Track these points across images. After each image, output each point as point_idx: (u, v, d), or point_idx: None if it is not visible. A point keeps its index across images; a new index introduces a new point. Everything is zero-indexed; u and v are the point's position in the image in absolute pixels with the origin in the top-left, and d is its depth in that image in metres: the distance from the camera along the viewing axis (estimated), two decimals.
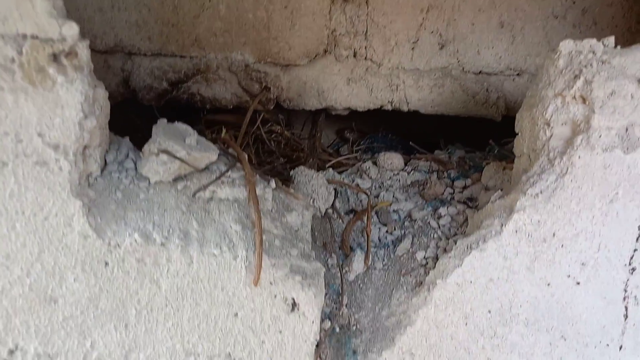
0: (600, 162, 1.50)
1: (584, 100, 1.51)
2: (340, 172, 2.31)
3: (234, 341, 1.49)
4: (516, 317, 1.59)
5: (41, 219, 1.35)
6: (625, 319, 1.62)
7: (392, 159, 2.32)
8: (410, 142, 2.54)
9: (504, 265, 1.56)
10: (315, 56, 2.45)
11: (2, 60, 1.25)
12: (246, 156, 1.63)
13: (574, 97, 1.52)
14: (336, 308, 1.67)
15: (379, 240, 1.89)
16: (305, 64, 2.45)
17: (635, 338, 1.63)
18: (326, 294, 1.66)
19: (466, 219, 1.84)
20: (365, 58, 2.47)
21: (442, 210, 1.91)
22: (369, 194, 2.04)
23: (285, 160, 2.45)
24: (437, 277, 1.59)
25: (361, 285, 1.75)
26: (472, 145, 2.87)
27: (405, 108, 2.54)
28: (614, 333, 1.62)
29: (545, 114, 1.56)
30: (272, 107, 2.46)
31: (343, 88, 2.50)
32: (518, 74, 2.54)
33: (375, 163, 2.34)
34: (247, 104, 2.38)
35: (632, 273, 1.59)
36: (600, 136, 1.49)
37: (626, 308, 1.61)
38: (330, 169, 2.24)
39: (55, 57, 1.24)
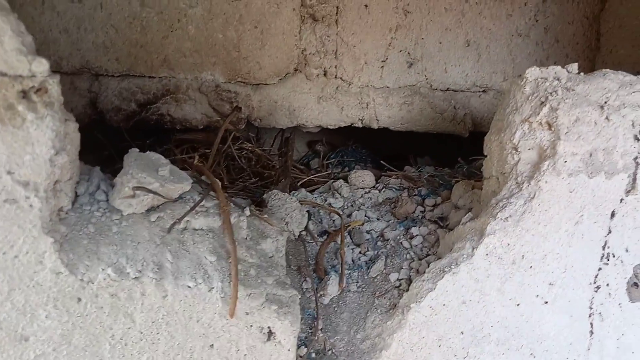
0: (566, 186, 1.55)
1: (549, 126, 1.56)
2: (312, 190, 2.33)
3: None
4: (488, 337, 1.63)
5: (11, 257, 1.32)
6: (591, 335, 1.68)
7: (364, 177, 2.34)
8: (381, 161, 2.56)
9: (475, 288, 1.59)
10: (286, 75, 2.46)
11: None
12: (220, 184, 1.62)
13: (541, 124, 1.57)
14: (311, 333, 1.68)
15: (353, 261, 1.91)
16: (276, 83, 2.46)
17: (600, 353, 1.69)
18: (301, 319, 1.66)
19: (437, 239, 1.88)
20: (336, 77, 2.49)
21: (414, 230, 1.94)
22: (341, 214, 2.05)
23: (257, 179, 2.45)
24: (411, 300, 1.62)
25: (336, 308, 1.77)
26: (441, 156, 2.93)
27: (375, 125, 2.57)
28: (581, 349, 1.68)
29: (513, 139, 1.61)
30: (243, 127, 2.45)
31: (314, 106, 2.51)
32: (484, 91, 2.60)
33: (346, 180, 2.36)
34: (218, 124, 2.37)
35: (596, 291, 1.65)
36: (565, 161, 1.54)
37: (592, 324, 1.67)
38: (303, 189, 2.25)
39: (24, 94, 1.22)
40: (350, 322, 1.73)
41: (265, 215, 1.73)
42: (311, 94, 2.50)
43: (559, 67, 1.60)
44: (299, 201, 1.97)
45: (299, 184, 2.43)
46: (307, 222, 1.97)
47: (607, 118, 1.54)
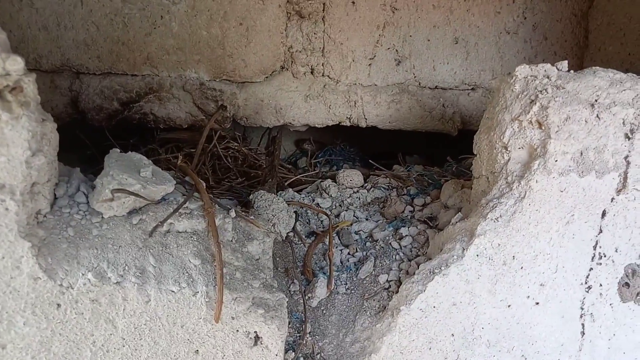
0: (556, 185, 1.53)
1: (540, 125, 1.54)
2: (299, 190, 2.29)
3: None
4: (478, 339, 1.61)
5: None
6: (582, 336, 1.66)
7: (352, 176, 2.31)
8: (370, 160, 2.53)
9: (466, 289, 1.57)
10: (272, 73, 2.42)
11: None
12: (204, 185, 1.58)
13: (531, 122, 1.54)
14: (299, 337, 1.64)
15: (341, 263, 1.87)
16: (262, 81, 2.42)
17: (592, 353, 1.67)
18: (289, 323, 1.63)
19: (427, 240, 1.85)
20: (323, 75, 2.45)
21: (404, 231, 1.91)
22: (329, 215, 2.02)
23: (244, 179, 2.40)
24: (400, 303, 1.59)
25: (324, 311, 1.73)
26: (430, 155, 2.91)
27: (363, 124, 2.53)
28: (572, 350, 1.66)
29: (503, 137, 1.58)
30: (228, 126, 2.40)
31: (301, 105, 2.47)
32: (472, 89, 2.58)
33: (334, 180, 2.33)
34: (203, 123, 2.33)
35: (588, 291, 1.63)
36: (556, 160, 1.52)
37: (583, 325, 1.66)
38: (290, 189, 2.21)
39: None
40: (339, 325, 1.70)
41: (252, 217, 1.69)
42: (298, 92, 2.46)
43: (548, 65, 1.58)
44: (286, 202, 1.93)
45: (286, 183, 2.39)
46: (295, 223, 1.93)
47: (597, 116, 1.52)
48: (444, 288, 1.56)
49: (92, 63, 2.25)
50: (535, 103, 1.53)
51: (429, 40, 2.49)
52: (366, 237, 1.97)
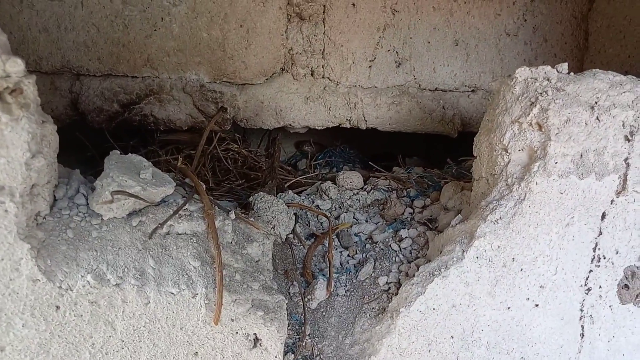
0: (556, 187, 1.53)
1: (540, 127, 1.53)
2: (299, 192, 2.29)
3: None
4: (478, 341, 1.61)
5: None
6: (582, 338, 1.66)
7: (352, 178, 2.31)
8: (370, 162, 2.53)
9: (465, 291, 1.57)
10: (272, 75, 2.42)
11: None
12: (204, 187, 1.58)
13: (531, 124, 1.54)
14: (299, 339, 1.64)
15: (341, 265, 1.87)
16: (262, 83, 2.42)
17: (591, 355, 1.67)
18: (288, 325, 1.63)
19: (427, 242, 1.85)
20: (323, 76, 2.46)
21: (403, 233, 1.91)
22: (329, 216, 2.02)
23: (243, 181, 2.40)
24: (400, 304, 1.59)
25: (324, 313, 1.73)
26: (430, 157, 2.91)
27: (363, 126, 2.54)
28: (571, 352, 1.66)
29: (503, 139, 1.58)
30: (228, 128, 2.40)
31: (301, 107, 2.47)
32: (473, 91, 2.58)
33: (334, 182, 2.33)
34: (203, 125, 2.33)
35: (587, 293, 1.63)
36: (556, 163, 1.52)
37: (582, 327, 1.65)
38: (290, 191, 2.21)
39: None
40: (339, 327, 1.69)
41: (251, 219, 1.69)
42: (298, 94, 2.46)
43: (548, 67, 1.58)
44: (286, 203, 1.93)
45: (286, 185, 2.39)
46: (295, 225, 1.93)
47: (597, 118, 1.52)
48: (444, 290, 1.55)
49: (92, 65, 2.26)
50: (536, 105, 1.53)
51: (429, 42, 2.49)
52: (366, 239, 1.97)
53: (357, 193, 2.25)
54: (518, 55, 2.57)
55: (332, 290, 1.75)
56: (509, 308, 1.60)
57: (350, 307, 1.74)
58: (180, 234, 1.49)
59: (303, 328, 1.66)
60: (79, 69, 2.26)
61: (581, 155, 1.53)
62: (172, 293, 1.39)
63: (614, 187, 1.55)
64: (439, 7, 2.45)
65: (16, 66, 1.18)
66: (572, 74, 1.58)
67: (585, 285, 1.62)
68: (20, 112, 1.20)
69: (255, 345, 1.46)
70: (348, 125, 2.54)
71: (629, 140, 1.53)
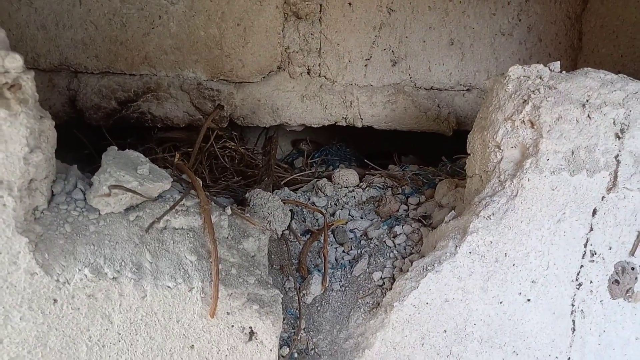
0: (548, 184, 1.55)
1: (532, 124, 1.56)
2: (295, 189, 2.31)
3: None
4: (471, 335, 1.63)
5: None
6: (573, 332, 1.68)
7: (348, 176, 2.33)
8: (365, 160, 2.55)
9: (458, 286, 1.59)
10: (269, 73, 2.44)
11: None
12: (200, 183, 1.60)
13: (523, 122, 1.57)
14: (294, 333, 1.66)
15: (336, 260, 1.89)
16: (259, 81, 2.44)
17: (582, 349, 1.69)
18: (284, 319, 1.65)
19: (421, 238, 1.87)
20: (319, 75, 2.48)
21: (398, 229, 1.93)
22: (325, 213, 2.04)
23: (240, 178, 2.42)
24: (394, 299, 1.61)
25: (319, 307, 1.75)
26: (426, 155, 2.93)
27: (359, 124, 2.56)
28: (563, 346, 1.68)
29: (496, 137, 1.60)
30: (225, 125, 2.42)
31: (297, 105, 2.49)
32: (468, 90, 2.61)
33: (330, 179, 2.35)
34: (200, 123, 2.34)
35: (579, 288, 1.65)
36: (548, 159, 1.54)
37: (574, 322, 1.68)
38: (286, 188, 2.23)
39: None
40: (333, 321, 1.71)
41: (247, 214, 1.71)
42: (294, 92, 2.48)
43: (541, 66, 1.60)
44: (282, 200, 1.95)
45: (282, 183, 2.41)
46: (290, 221, 1.95)
47: (588, 116, 1.54)
48: (437, 285, 1.58)
49: (90, 62, 2.27)
50: (528, 103, 1.56)
51: (424, 42, 2.52)
52: (361, 235, 1.99)
53: (353, 190, 2.27)
54: (513, 54, 2.60)
55: (327, 285, 1.77)
56: (501, 302, 1.62)
57: (344, 302, 1.76)
58: (177, 229, 1.50)
59: (298, 322, 1.68)
60: (77, 67, 2.28)
61: (572, 152, 1.55)
62: (169, 287, 1.41)
63: (604, 184, 1.58)
64: (434, 6, 2.47)
65: (15, 62, 1.20)
66: (564, 72, 1.60)
67: (577, 280, 1.65)
68: (19, 107, 1.22)
69: (250, 339, 1.48)
70: (344, 124, 2.56)
71: (619, 138, 1.56)
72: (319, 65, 2.46)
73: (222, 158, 2.52)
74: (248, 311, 1.46)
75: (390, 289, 1.68)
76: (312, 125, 2.56)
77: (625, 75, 1.61)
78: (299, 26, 2.39)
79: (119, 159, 1.49)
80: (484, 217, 1.57)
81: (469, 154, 1.78)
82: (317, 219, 2.06)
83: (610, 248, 1.64)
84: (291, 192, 2.19)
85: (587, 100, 1.55)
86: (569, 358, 1.70)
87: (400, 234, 1.91)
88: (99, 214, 1.44)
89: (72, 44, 2.23)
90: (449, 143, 2.73)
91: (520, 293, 1.62)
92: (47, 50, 2.23)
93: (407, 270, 1.66)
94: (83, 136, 2.32)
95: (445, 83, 2.58)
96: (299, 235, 1.94)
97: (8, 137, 1.22)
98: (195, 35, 2.33)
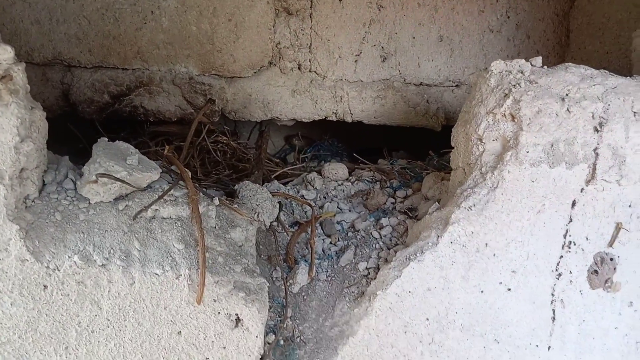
0: (528, 176, 1.59)
1: (513, 117, 1.60)
2: (285, 183, 2.34)
3: (177, 359, 1.50)
4: (452, 323, 1.67)
5: None
6: (553, 321, 1.72)
7: (337, 170, 2.36)
8: (354, 154, 2.59)
9: (440, 275, 1.63)
10: (260, 68, 2.48)
11: None
12: (189, 174, 1.63)
13: (504, 115, 1.61)
14: (280, 321, 1.70)
15: (323, 251, 1.93)
16: (250, 76, 2.48)
17: (562, 338, 1.73)
18: (270, 308, 1.69)
19: (407, 229, 1.91)
20: (310, 70, 2.51)
21: (384, 221, 1.97)
22: (312, 205, 2.07)
23: (231, 172, 2.46)
24: (377, 288, 1.65)
25: (305, 297, 1.79)
26: (418, 151, 2.96)
27: (349, 119, 2.60)
28: (543, 335, 1.72)
29: (478, 130, 1.64)
30: (217, 119, 2.46)
31: (288, 100, 2.53)
32: (457, 86, 2.64)
33: (320, 173, 2.38)
34: (192, 117, 2.38)
35: (558, 278, 1.69)
36: (528, 152, 1.58)
37: (554, 311, 1.71)
38: (276, 181, 2.26)
39: None
40: (319, 310, 1.75)
41: (235, 205, 1.74)
42: (285, 87, 2.52)
43: (523, 61, 1.64)
44: (271, 193, 1.99)
45: (272, 176, 2.45)
46: (279, 213, 1.99)
47: (568, 110, 1.58)
48: (419, 274, 1.61)
49: (83, 57, 2.31)
50: (509, 97, 1.59)
51: (414, 38, 2.55)
52: (348, 227, 2.03)
53: (342, 184, 2.31)
54: (501, 51, 2.63)
55: (313, 275, 1.81)
56: (482, 292, 1.65)
57: (330, 292, 1.79)
58: (165, 218, 1.54)
59: (285, 311, 1.72)
60: (70, 61, 2.32)
61: (552, 145, 1.59)
62: (157, 274, 1.45)
63: (583, 176, 1.61)
64: (423, 3, 2.51)
65: (6, 54, 1.24)
66: (545, 67, 1.64)
67: (556, 270, 1.68)
68: (10, 97, 1.26)
69: (237, 325, 1.52)
70: (334, 118, 2.60)
71: (598, 131, 1.59)
72: (309, 61, 2.50)
73: (215, 152, 2.56)
74: (234, 298, 1.50)
75: (375, 278, 1.72)
76: (303, 120, 2.60)
77: (605, 71, 1.65)
78: (289, 22, 2.43)
79: (109, 150, 1.53)
80: (465, 208, 1.61)
81: (453, 147, 1.81)
82: (305, 212, 2.10)
83: (589, 239, 1.67)
84: (281, 185, 2.23)
85: (567, 95, 1.58)
86: (550, 347, 1.74)
87: (387, 225, 1.95)
88: (89, 203, 1.48)
89: (66, 39, 2.27)
90: (439, 139, 2.77)
91: (500, 282, 1.66)
92: (41, 45, 2.27)
93: (392, 260, 1.70)
94: (77, 130, 2.36)
95: (434, 79, 2.62)
96: (287, 226, 1.98)
97: None
98: (187, 30, 2.37)
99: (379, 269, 1.77)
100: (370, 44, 2.53)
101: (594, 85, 1.60)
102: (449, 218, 1.62)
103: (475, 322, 1.67)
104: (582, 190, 1.63)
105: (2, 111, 1.26)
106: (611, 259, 1.70)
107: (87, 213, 1.47)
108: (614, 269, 1.70)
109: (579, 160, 1.60)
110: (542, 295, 1.69)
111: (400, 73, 2.58)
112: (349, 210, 2.13)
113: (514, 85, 1.60)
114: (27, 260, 1.36)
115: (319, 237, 1.97)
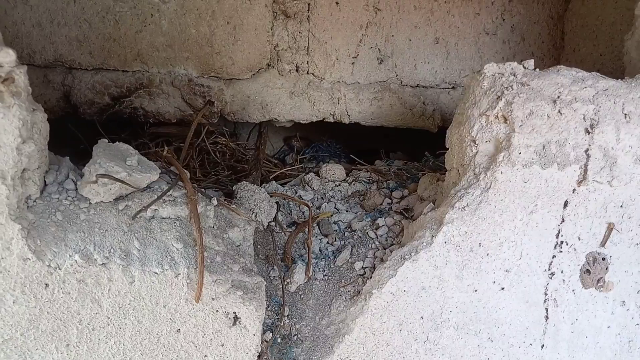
0: (520, 177, 1.62)
1: (505, 119, 1.63)
2: (284, 184, 2.37)
3: (176, 356, 1.53)
4: (447, 322, 1.69)
5: None
6: (546, 320, 1.75)
7: (334, 170, 2.39)
8: (351, 155, 2.62)
9: (434, 274, 1.66)
10: (259, 70, 2.51)
11: None
12: (188, 174, 1.66)
13: (497, 117, 1.64)
14: (278, 319, 1.73)
15: (320, 251, 1.96)
16: (249, 78, 2.51)
17: (555, 337, 1.76)
18: (268, 306, 1.71)
19: (402, 229, 1.94)
20: (308, 72, 2.54)
21: (380, 221, 2.00)
22: (310, 206, 2.10)
23: (230, 172, 2.49)
24: (373, 287, 1.68)
25: (302, 295, 1.82)
26: (415, 152, 2.99)
27: (346, 120, 2.63)
28: (536, 333, 1.75)
29: (472, 131, 1.67)
30: (216, 121, 2.49)
31: (286, 101, 2.56)
32: (453, 87, 2.67)
33: (318, 174, 2.41)
34: (191, 118, 2.41)
35: (551, 277, 1.72)
36: (520, 153, 1.61)
37: (547, 310, 1.74)
38: (274, 181, 2.29)
39: None
40: (316, 308, 1.78)
41: (234, 206, 1.77)
42: (283, 89, 2.55)
43: (515, 63, 1.67)
44: (269, 193, 2.02)
45: (271, 177, 2.48)
46: (276, 213, 2.02)
47: (559, 112, 1.61)
48: (414, 273, 1.64)
49: (84, 59, 2.34)
50: (501, 99, 1.62)
51: (410, 40, 2.58)
52: (345, 227, 2.06)
53: (339, 184, 2.34)
54: (497, 53, 2.66)
55: (310, 274, 1.84)
56: (476, 291, 1.68)
57: (327, 291, 1.82)
58: (164, 218, 1.57)
59: (282, 309, 1.75)
60: (71, 63, 2.35)
61: (544, 147, 1.62)
62: (156, 273, 1.47)
63: (575, 177, 1.64)
64: (419, 5, 2.54)
65: (8, 56, 1.27)
66: (537, 69, 1.67)
67: (549, 269, 1.71)
68: (12, 99, 1.29)
69: (234, 323, 1.55)
70: (332, 120, 2.63)
71: (589, 133, 1.62)
72: (307, 63, 2.53)
73: (214, 153, 2.59)
74: (232, 297, 1.53)
75: (371, 277, 1.75)
76: (301, 121, 2.63)
77: (597, 73, 1.68)
78: (287, 25, 2.46)
79: (109, 151, 1.56)
80: (459, 208, 1.64)
81: (448, 149, 1.84)
82: (303, 212, 2.13)
83: (581, 239, 1.70)
84: (278, 185, 2.26)
85: (558, 97, 1.61)
86: (543, 345, 1.77)
87: (383, 225, 1.98)
88: (90, 203, 1.51)
89: (67, 41, 2.30)
90: (436, 140, 2.79)
91: (494, 282, 1.69)
92: (42, 47, 2.30)
93: (387, 260, 1.72)
94: (79, 131, 2.39)
95: (430, 81, 2.65)
96: (284, 226, 2.01)
97: (1, 128, 1.29)
98: (186, 33, 2.40)
99: (375, 268, 1.80)
100: (367, 47, 2.56)
101: (585, 87, 1.63)
102: (443, 218, 1.65)
103: (469, 321, 1.70)
104: (573, 190, 1.66)
105: (5, 113, 1.29)
106: (603, 259, 1.73)
107: (88, 213, 1.50)
108: (606, 268, 1.73)
109: (570, 161, 1.63)
110: (535, 294, 1.72)
111: (396, 75, 2.61)
112: (346, 211, 2.16)
113: (507, 88, 1.63)
114: (29, 259, 1.39)
115: (316, 237, 2.00)
